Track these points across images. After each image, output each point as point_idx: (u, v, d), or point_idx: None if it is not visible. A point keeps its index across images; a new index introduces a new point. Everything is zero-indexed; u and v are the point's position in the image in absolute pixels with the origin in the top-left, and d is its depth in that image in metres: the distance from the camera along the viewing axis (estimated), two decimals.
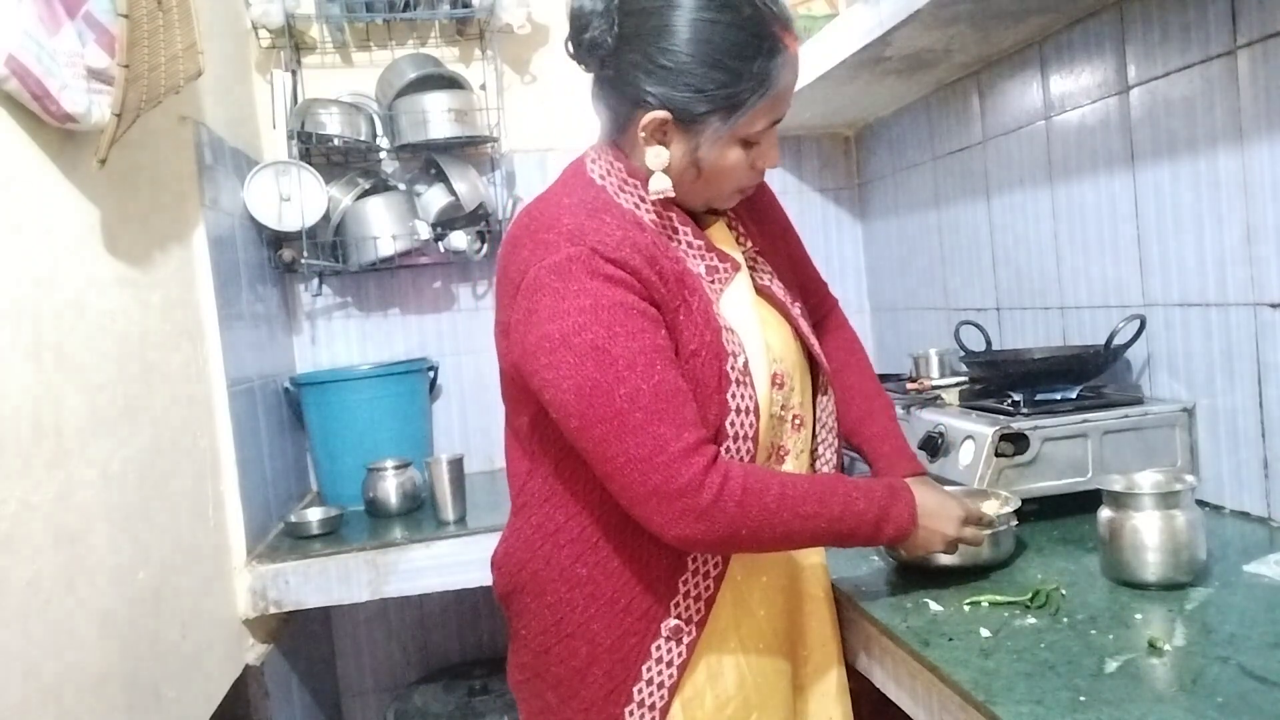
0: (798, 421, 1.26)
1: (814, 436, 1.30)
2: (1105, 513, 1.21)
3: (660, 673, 1.16)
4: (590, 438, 1.06)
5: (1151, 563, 1.16)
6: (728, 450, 1.12)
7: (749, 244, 1.29)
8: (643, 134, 1.13)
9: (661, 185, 1.15)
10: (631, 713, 1.16)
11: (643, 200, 1.17)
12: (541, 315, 1.06)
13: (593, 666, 1.16)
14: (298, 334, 2.56)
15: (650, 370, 1.05)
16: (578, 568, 1.17)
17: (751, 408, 1.15)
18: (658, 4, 1.10)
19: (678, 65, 1.09)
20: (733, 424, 1.13)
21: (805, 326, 1.28)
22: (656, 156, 1.14)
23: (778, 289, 1.28)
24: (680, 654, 1.16)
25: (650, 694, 1.16)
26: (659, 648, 1.16)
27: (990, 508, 1.32)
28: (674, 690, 1.16)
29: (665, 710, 1.16)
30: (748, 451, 1.15)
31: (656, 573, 1.15)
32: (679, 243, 1.19)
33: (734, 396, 1.13)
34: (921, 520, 1.16)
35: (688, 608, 1.16)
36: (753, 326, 1.20)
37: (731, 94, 1.11)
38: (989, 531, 1.25)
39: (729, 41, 1.09)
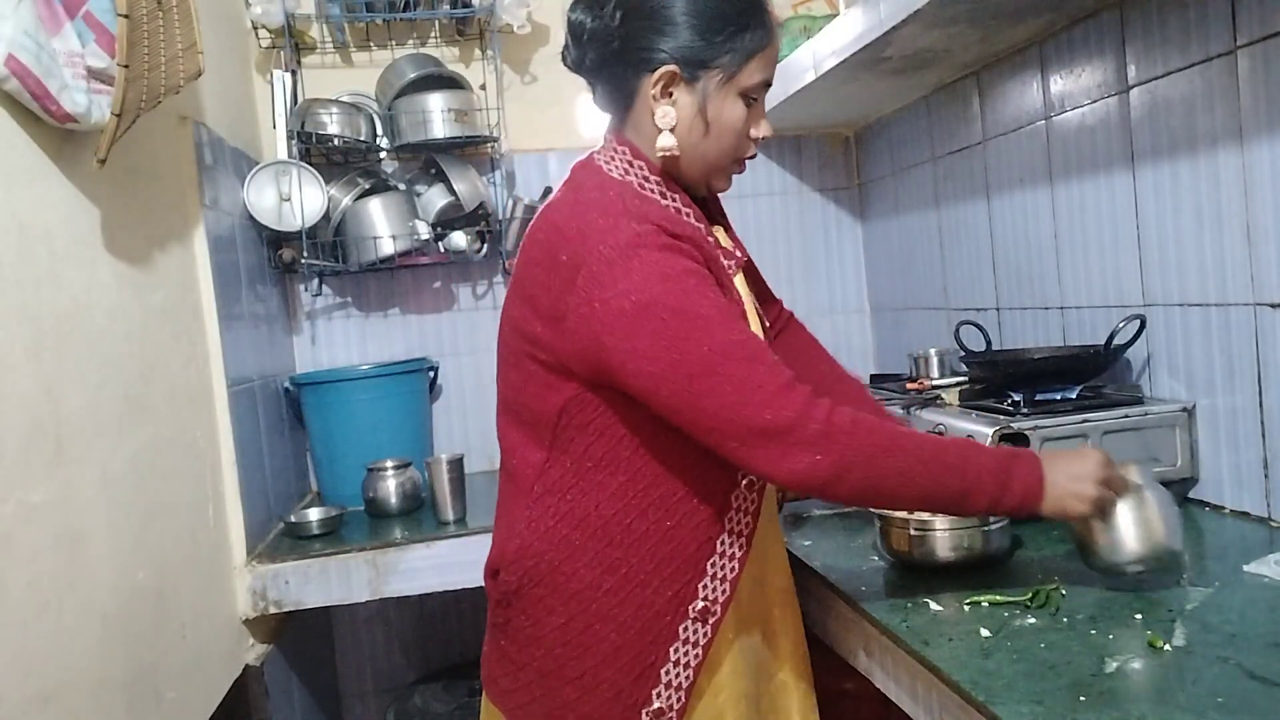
0: None
1: None
2: None
3: (686, 653, 1.17)
4: (688, 394, 1.06)
5: (1126, 546, 1.14)
6: None
7: (738, 253, 1.32)
8: (653, 92, 1.16)
9: (667, 142, 1.18)
10: (659, 694, 1.16)
11: (664, 195, 1.20)
12: (618, 289, 1.08)
13: (621, 652, 1.16)
14: (298, 334, 2.56)
15: (730, 324, 1.08)
16: (610, 550, 1.16)
17: None
18: None
19: (683, 16, 1.14)
20: None
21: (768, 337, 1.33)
22: (664, 116, 1.17)
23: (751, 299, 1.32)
24: (705, 634, 1.18)
25: (677, 675, 1.17)
26: (686, 629, 1.17)
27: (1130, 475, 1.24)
28: (699, 670, 1.18)
29: (690, 689, 1.17)
30: None
31: (688, 554, 1.17)
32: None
33: None
34: (1052, 479, 1.10)
35: (714, 589, 1.18)
36: (754, 320, 1.24)
37: (734, 41, 1.15)
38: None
39: None
